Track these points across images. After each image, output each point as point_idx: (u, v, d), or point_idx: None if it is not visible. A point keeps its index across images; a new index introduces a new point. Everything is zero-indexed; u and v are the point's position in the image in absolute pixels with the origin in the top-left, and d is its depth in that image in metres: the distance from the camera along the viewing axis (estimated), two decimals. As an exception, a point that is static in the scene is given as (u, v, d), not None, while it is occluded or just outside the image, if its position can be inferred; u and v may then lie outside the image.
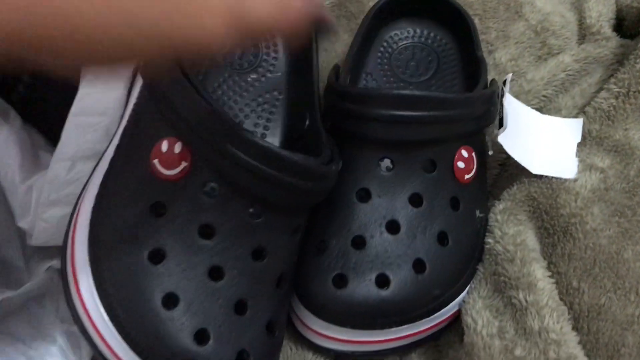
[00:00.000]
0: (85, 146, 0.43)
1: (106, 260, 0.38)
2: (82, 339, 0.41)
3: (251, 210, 0.39)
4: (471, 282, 0.45)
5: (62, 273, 0.39)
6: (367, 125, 0.43)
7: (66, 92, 0.44)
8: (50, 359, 0.41)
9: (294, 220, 0.41)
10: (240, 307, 0.39)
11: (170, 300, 0.37)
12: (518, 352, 0.40)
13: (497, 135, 0.46)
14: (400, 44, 0.54)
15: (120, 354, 0.37)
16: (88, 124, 0.43)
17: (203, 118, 0.37)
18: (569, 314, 0.42)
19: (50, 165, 0.43)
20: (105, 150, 0.42)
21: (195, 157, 0.38)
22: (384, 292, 0.42)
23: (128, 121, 0.42)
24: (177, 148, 0.38)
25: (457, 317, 0.45)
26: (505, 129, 0.46)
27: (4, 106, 0.47)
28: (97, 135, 0.43)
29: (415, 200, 0.44)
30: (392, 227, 0.43)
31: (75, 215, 0.40)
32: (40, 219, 0.43)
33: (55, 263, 0.44)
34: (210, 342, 0.37)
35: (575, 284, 0.43)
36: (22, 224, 0.43)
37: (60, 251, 0.40)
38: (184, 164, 0.38)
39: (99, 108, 0.43)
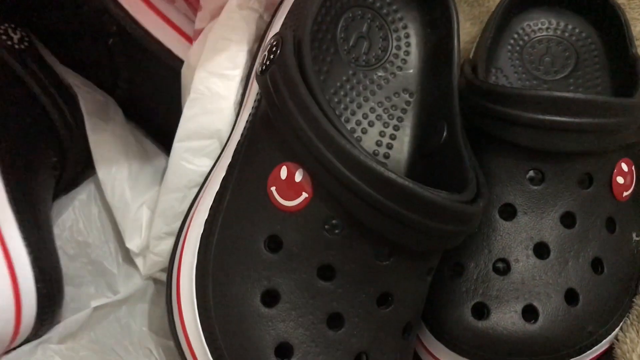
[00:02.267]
0: (198, 173, 0.34)
1: (214, 297, 0.28)
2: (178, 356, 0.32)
3: (377, 251, 0.28)
4: (627, 317, 0.33)
5: (167, 302, 0.31)
6: (517, 130, 0.32)
7: (167, 83, 0.35)
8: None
9: (427, 263, 0.30)
10: None
11: (284, 351, 0.28)
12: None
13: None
14: (533, 36, 0.41)
15: None
16: (197, 149, 0.34)
17: (327, 143, 0.27)
18: None
19: (160, 198, 0.34)
20: (212, 169, 0.33)
21: (317, 187, 0.27)
22: (531, 326, 0.31)
23: (240, 141, 0.32)
24: (298, 176, 0.28)
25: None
26: None
27: (102, 99, 0.38)
28: (208, 160, 0.34)
29: (568, 219, 0.32)
30: (541, 250, 0.32)
31: (182, 243, 0.31)
32: (151, 253, 0.35)
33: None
34: None
35: None
36: (132, 246, 0.35)
37: (166, 276, 0.32)
38: (304, 195, 0.28)
39: (208, 130, 0.34)
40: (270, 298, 0.28)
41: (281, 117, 0.28)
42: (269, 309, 0.28)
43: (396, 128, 0.36)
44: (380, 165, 0.26)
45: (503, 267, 0.32)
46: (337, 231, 0.28)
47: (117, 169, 0.37)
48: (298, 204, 0.28)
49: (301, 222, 0.28)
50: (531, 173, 0.33)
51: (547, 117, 0.31)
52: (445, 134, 0.33)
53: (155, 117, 0.41)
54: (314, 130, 0.27)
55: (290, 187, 0.28)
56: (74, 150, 0.36)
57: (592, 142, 0.32)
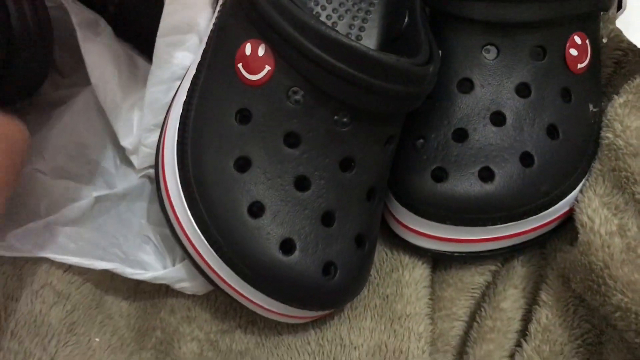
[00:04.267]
0: (180, 66, 0.36)
1: (193, 168, 0.32)
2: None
3: (338, 118, 0.31)
4: (585, 180, 0.35)
5: (156, 181, 0.34)
6: (469, 5, 0.34)
7: (157, 7, 0.38)
8: (145, 256, 0.36)
9: (386, 130, 0.32)
10: (327, 219, 0.31)
11: (257, 209, 0.31)
12: (643, 249, 0.31)
13: (614, 19, 0.35)
14: None
15: (209, 260, 0.31)
16: (177, 43, 0.36)
17: (286, 17, 0.29)
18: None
19: (147, 90, 0.37)
20: (191, 64, 0.36)
21: (279, 60, 0.30)
22: (488, 186, 0.33)
23: (212, 29, 0.34)
24: (261, 51, 0.30)
25: (564, 222, 0.36)
26: (624, 10, 0.35)
27: (92, 17, 0.40)
28: (188, 53, 0.36)
29: (523, 90, 0.34)
30: (497, 118, 0.34)
31: (165, 124, 0.34)
32: (142, 145, 0.37)
33: (147, 172, 0.38)
34: (296, 252, 0.30)
35: None
36: (126, 143, 0.38)
37: (154, 156, 0.35)
38: (267, 68, 0.30)
39: (186, 25, 0.36)
40: (243, 164, 0.31)
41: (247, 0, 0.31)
42: (241, 173, 0.31)
43: (365, 20, 0.38)
44: (334, 31, 0.29)
45: (461, 136, 0.34)
46: (299, 100, 0.30)
47: (108, 75, 0.39)
48: (262, 77, 0.31)
49: (266, 94, 0.31)
50: (486, 47, 0.34)
51: None
52: (407, 19, 0.35)
53: (144, 35, 0.44)
54: (272, 4, 0.30)
55: (254, 61, 0.31)
56: (24, 55, 0.37)
57: (543, 12, 0.33)
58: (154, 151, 0.37)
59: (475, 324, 0.36)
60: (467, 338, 0.35)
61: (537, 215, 0.34)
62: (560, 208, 0.35)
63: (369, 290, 0.36)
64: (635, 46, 0.37)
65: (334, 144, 0.31)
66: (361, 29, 0.38)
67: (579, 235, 0.33)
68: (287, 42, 0.29)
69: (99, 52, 0.40)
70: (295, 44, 0.29)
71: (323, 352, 0.34)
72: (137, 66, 0.42)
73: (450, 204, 0.33)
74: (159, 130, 0.36)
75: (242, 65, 0.31)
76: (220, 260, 0.31)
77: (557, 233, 0.37)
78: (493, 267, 0.37)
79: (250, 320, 0.36)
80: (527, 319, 0.35)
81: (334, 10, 0.38)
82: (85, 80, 0.43)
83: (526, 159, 0.34)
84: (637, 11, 0.35)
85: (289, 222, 0.31)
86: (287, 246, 0.31)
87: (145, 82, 0.41)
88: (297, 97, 0.31)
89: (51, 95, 0.44)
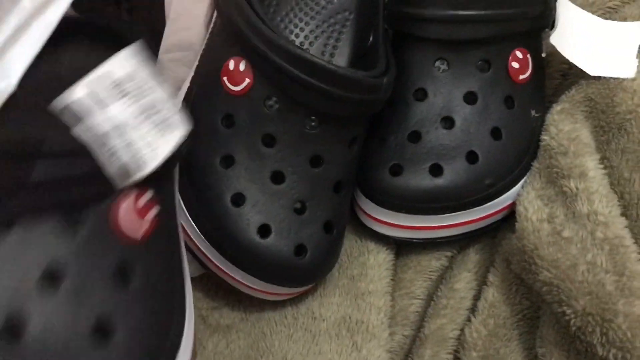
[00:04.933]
0: (177, 79, 0.41)
1: (186, 164, 0.37)
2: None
3: (308, 122, 0.36)
4: (526, 176, 0.40)
5: None
6: (423, 26, 0.39)
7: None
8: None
9: (350, 131, 0.38)
10: (299, 208, 0.37)
11: (238, 199, 0.36)
12: (566, 233, 0.35)
13: (549, 36, 0.40)
14: None
15: (198, 243, 0.37)
16: (178, 59, 0.42)
17: (263, 39, 0.35)
18: (618, 202, 0.37)
19: None
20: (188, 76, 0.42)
21: (256, 74, 0.36)
22: (438, 180, 0.38)
23: (204, 48, 0.40)
24: (242, 66, 0.36)
25: (512, 213, 0.41)
26: (555, 29, 0.40)
27: None
28: (186, 68, 0.42)
29: (470, 98, 0.39)
30: (448, 122, 0.39)
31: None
32: None
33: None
34: (272, 235, 0.36)
35: (626, 174, 0.37)
36: None
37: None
38: (247, 81, 0.36)
39: (186, 43, 0.41)
40: (228, 162, 0.37)
41: (228, 23, 0.37)
42: (226, 169, 0.36)
43: (337, 40, 0.43)
44: (301, 50, 0.34)
45: (416, 137, 0.39)
46: (274, 107, 0.36)
47: None
48: (243, 88, 0.36)
49: (247, 102, 0.36)
50: (438, 61, 0.40)
51: (446, 12, 0.38)
52: (371, 38, 0.41)
53: (156, 30, 0.49)
54: (249, 28, 0.35)
55: (236, 75, 0.36)
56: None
57: (487, 31, 0.39)
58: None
59: (431, 302, 0.41)
60: (424, 314, 0.41)
61: (483, 206, 0.39)
62: (504, 200, 0.40)
63: (338, 272, 0.41)
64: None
65: (305, 144, 0.36)
66: (334, 47, 0.44)
67: (516, 223, 0.38)
68: (263, 59, 0.35)
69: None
70: (270, 61, 0.35)
71: (297, 324, 0.39)
72: None
73: (405, 195, 0.39)
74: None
75: (227, 79, 0.37)
76: (207, 243, 0.37)
77: (506, 223, 0.42)
78: (449, 253, 0.42)
79: (237, 299, 0.41)
80: (477, 298, 0.41)
81: (311, 31, 0.44)
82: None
83: (471, 156, 0.39)
84: (570, 29, 0.40)
85: (266, 210, 0.36)
86: (264, 230, 0.36)
87: None
88: (273, 104, 0.36)
89: None
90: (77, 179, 0.26)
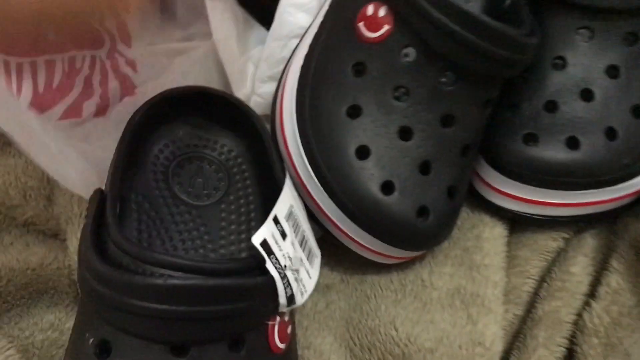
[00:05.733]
0: (298, 25, 0.40)
1: (310, 112, 0.35)
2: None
3: (444, 78, 0.34)
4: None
5: (272, 125, 0.38)
6: None
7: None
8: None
9: (486, 93, 0.35)
10: (425, 167, 0.35)
11: (363, 152, 0.34)
12: None
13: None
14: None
15: (314, 193, 0.35)
16: (299, 5, 0.40)
17: None
18: None
19: (266, 44, 0.41)
20: (311, 24, 0.40)
21: (397, 21, 0.33)
22: (574, 154, 0.36)
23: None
24: (382, 12, 0.34)
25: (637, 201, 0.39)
26: None
27: None
28: (307, 15, 0.40)
29: (612, 71, 0.37)
30: (586, 95, 0.37)
31: (286, 73, 0.38)
32: (255, 94, 0.41)
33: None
34: (395, 193, 0.34)
35: None
36: (239, 94, 0.42)
37: (271, 105, 0.39)
38: (386, 27, 0.34)
39: None
40: (354, 112, 0.35)
41: None
42: (352, 119, 0.35)
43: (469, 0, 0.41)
44: None
45: (552, 107, 0.37)
46: (411, 58, 0.34)
47: (229, 32, 0.43)
48: (380, 35, 0.34)
49: (382, 51, 0.34)
50: (581, 30, 0.37)
51: None
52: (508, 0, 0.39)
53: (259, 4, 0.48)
54: None
55: (374, 21, 0.34)
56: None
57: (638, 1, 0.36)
58: (265, 100, 0.42)
59: (545, 283, 0.39)
60: (536, 296, 0.39)
61: (617, 187, 0.37)
62: (637, 183, 0.37)
63: (449, 243, 0.39)
64: None
65: (438, 101, 0.34)
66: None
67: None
68: (408, 3, 0.33)
69: (223, 11, 0.44)
70: (415, 6, 0.32)
71: (405, 290, 0.37)
72: (252, 27, 0.46)
73: (538, 166, 0.36)
74: (273, 82, 0.41)
75: (364, 24, 0.35)
76: (325, 194, 0.35)
77: (628, 211, 0.39)
78: (566, 235, 0.40)
79: (337, 260, 0.40)
80: (594, 285, 0.38)
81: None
82: (202, 35, 0.48)
83: (610, 132, 0.36)
84: None
85: (390, 166, 0.34)
86: (387, 187, 0.34)
87: (257, 42, 0.45)
88: (410, 55, 0.34)
89: (169, 46, 0.49)
90: (243, 309, 0.29)
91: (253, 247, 0.36)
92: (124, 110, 0.46)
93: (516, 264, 0.39)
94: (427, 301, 0.36)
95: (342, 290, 0.39)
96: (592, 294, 0.37)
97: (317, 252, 0.35)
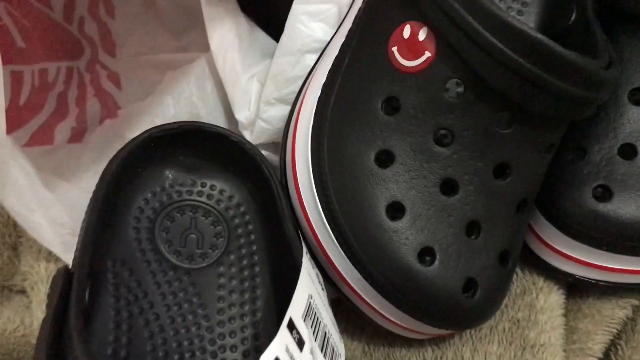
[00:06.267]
0: (313, 38, 0.33)
1: (329, 157, 0.28)
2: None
3: (498, 119, 0.27)
4: None
5: (281, 165, 0.31)
6: None
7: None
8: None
9: (549, 137, 0.28)
10: (472, 229, 0.28)
11: (396, 210, 0.27)
12: None
13: None
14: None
15: (334, 260, 0.28)
16: (315, 12, 0.33)
17: None
18: None
19: (274, 60, 0.34)
20: (332, 38, 0.32)
21: (441, 46, 0.26)
22: None
23: (362, 6, 0.30)
24: (422, 34, 0.27)
25: None
26: None
27: None
28: (324, 25, 0.33)
29: None
30: None
31: (299, 106, 0.31)
32: (260, 119, 0.34)
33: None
34: (436, 262, 0.27)
35: None
36: (241, 117, 0.34)
37: (281, 143, 0.32)
38: (427, 55, 0.27)
39: None
40: (385, 159, 0.28)
41: None
42: (382, 169, 0.28)
43: (524, 5, 0.34)
44: (513, 18, 0.25)
45: (630, 152, 0.30)
46: (458, 93, 0.27)
47: (228, 42, 0.36)
48: (420, 64, 0.27)
49: (421, 83, 0.27)
50: (670, 56, 0.30)
51: None
52: (574, 15, 0.31)
53: (265, 10, 0.41)
54: None
55: (412, 46, 0.27)
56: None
57: None
58: (271, 127, 0.35)
59: (610, 362, 0.32)
60: (601, 377, 0.32)
61: None
62: None
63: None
64: None
65: (490, 147, 0.27)
66: (519, 12, 0.34)
67: None
68: (455, 24, 0.26)
69: (221, 17, 0.37)
70: (465, 27, 0.25)
71: (442, 374, 0.31)
72: (257, 38, 0.39)
73: (613, 228, 0.29)
74: (282, 105, 0.34)
75: (398, 49, 0.28)
76: (348, 261, 0.28)
77: None
78: (635, 302, 0.33)
79: (359, 327, 0.33)
80: (670, 364, 0.32)
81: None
82: (198, 45, 0.41)
83: None
84: None
85: (430, 229, 0.27)
86: (426, 255, 0.27)
87: (264, 55, 0.38)
88: (457, 89, 0.27)
89: (159, 57, 0.42)
90: None
91: (259, 323, 0.30)
92: (103, 136, 0.39)
93: (575, 339, 0.32)
94: (469, 390, 0.30)
95: (364, 366, 0.32)
96: (669, 377, 0.31)
97: (340, 349, 0.28)
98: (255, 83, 0.36)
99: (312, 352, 0.25)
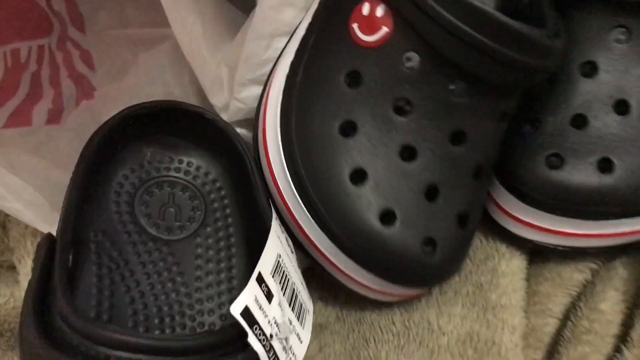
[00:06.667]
0: (283, 22, 0.34)
1: (297, 128, 0.30)
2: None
3: (453, 88, 0.29)
4: None
5: (254, 140, 0.33)
6: None
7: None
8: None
9: (502, 105, 0.30)
10: (431, 193, 0.30)
11: (359, 176, 0.29)
12: None
13: None
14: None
15: (303, 224, 0.30)
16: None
17: None
18: None
19: (246, 44, 0.35)
20: (301, 21, 0.35)
21: (398, 21, 0.28)
22: (606, 178, 0.31)
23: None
24: (379, 11, 0.29)
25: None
26: None
27: None
28: (295, 10, 0.35)
29: None
30: (621, 107, 0.31)
31: (269, 84, 0.33)
32: (235, 99, 0.36)
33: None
34: (397, 223, 0.29)
35: None
36: (215, 101, 0.36)
37: (254, 115, 0.34)
38: (384, 29, 0.29)
39: None
40: (348, 129, 0.30)
41: None
42: (346, 138, 0.29)
43: None
44: None
45: (580, 122, 0.32)
46: (414, 65, 0.29)
47: (190, 24, 0.36)
48: (378, 39, 0.29)
49: (380, 57, 0.29)
50: (617, 30, 0.32)
51: None
52: None
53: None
54: None
55: (371, 22, 0.29)
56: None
57: None
58: (245, 106, 0.36)
59: (569, 323, 0.33)
60: (560, 337, 0.34)
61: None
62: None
63: (460, 277, 0.34)
64: None
65: (447, 115, 0.29)
66: None
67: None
68: (410, 0, 0.28)
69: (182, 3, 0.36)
70: (418, 3, 0.27)
71: (409, 335, 0.32)
72: (221, 9, 0.39)
73: (564, 194, 0.31)
74: (256, 85, 0.35)
75: (358, 26, 0.29)
76: (315, 226, 0.30)
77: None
78: (594, 266, 0.35)
79: (333, 295, 0.35)
80: (627, 325, 0.33)
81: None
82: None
83: (651, 152, 0.31)
84: None
85: (391, 192, 0.29)
86: (387, 217, 0.29)
87: (229, 29, 0.38)
88: (413, 62, 0.29)
89: (131, 32, 0.43)
90: None
91: (235, 289, 0.32)
92: (80, 118, 0.41)
93: (536, 301, 0.34)
94: (434, 348, 0.31)
95: (337, 331, 0.34)
96: (623, 336, 0.32)
97: (309, 306, 0.30)
98: (224, 67, 0.37)
99: (280, 305, 0.27)
